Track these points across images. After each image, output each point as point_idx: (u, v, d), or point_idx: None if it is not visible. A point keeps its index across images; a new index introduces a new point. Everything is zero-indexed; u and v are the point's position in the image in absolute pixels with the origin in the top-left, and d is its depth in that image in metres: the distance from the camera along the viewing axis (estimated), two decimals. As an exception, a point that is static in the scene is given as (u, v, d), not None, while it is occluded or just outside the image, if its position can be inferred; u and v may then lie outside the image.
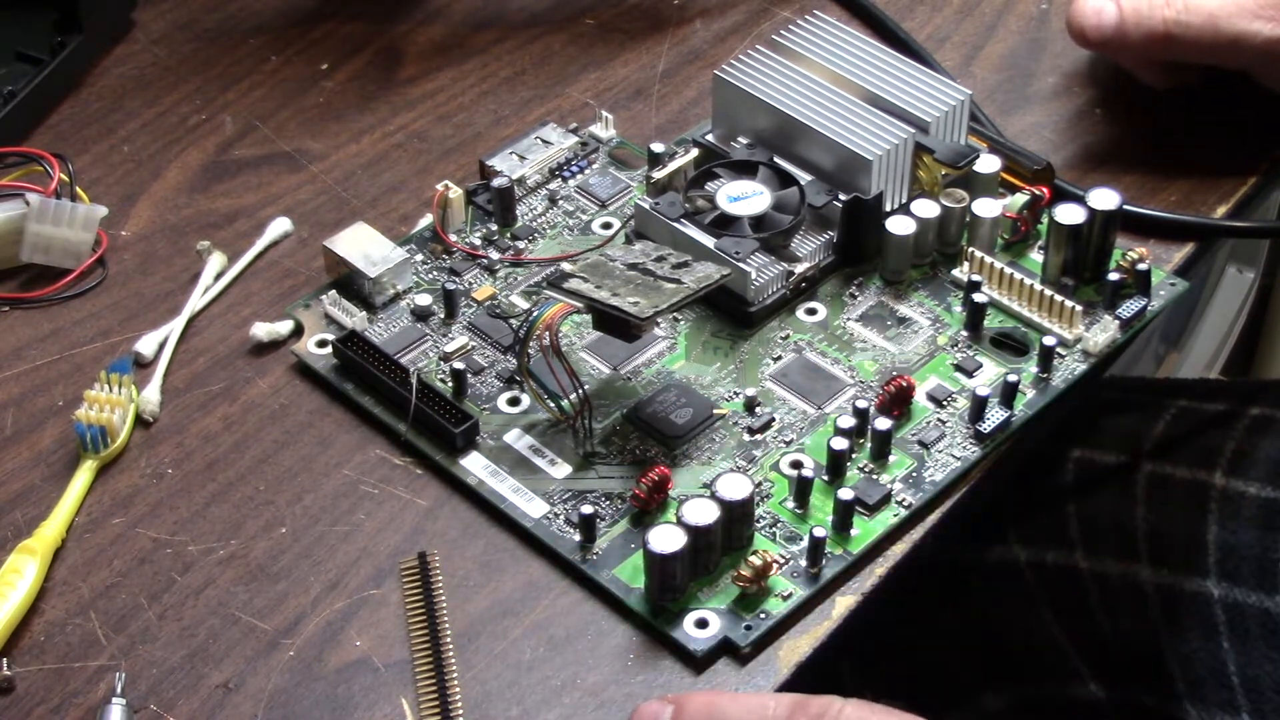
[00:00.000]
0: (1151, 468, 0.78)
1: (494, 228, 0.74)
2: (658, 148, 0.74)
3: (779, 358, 0.68)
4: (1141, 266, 0.69)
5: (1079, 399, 0.68)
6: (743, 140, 0.72)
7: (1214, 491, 0.75)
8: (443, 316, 0.70)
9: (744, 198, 0.70)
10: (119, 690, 0.58)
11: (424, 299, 0.70)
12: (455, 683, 0.59)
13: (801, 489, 0.63)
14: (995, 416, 0.65)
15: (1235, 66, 0.76)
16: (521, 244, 0.73)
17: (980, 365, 0.68)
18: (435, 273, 0.72)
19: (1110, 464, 0.79)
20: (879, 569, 0.62)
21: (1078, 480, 0.80)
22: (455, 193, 0.73)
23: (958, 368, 0.68)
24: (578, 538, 0.62)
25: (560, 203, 0.75)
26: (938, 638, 0.83)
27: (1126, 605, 0.76)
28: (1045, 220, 0.71)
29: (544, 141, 0.76)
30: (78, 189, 0.74)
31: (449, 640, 0.60)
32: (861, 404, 0.65)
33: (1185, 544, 0.75)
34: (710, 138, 0.74)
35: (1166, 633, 0.74)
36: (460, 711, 0.58)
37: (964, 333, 0.69)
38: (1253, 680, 0.72)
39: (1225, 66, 0.76)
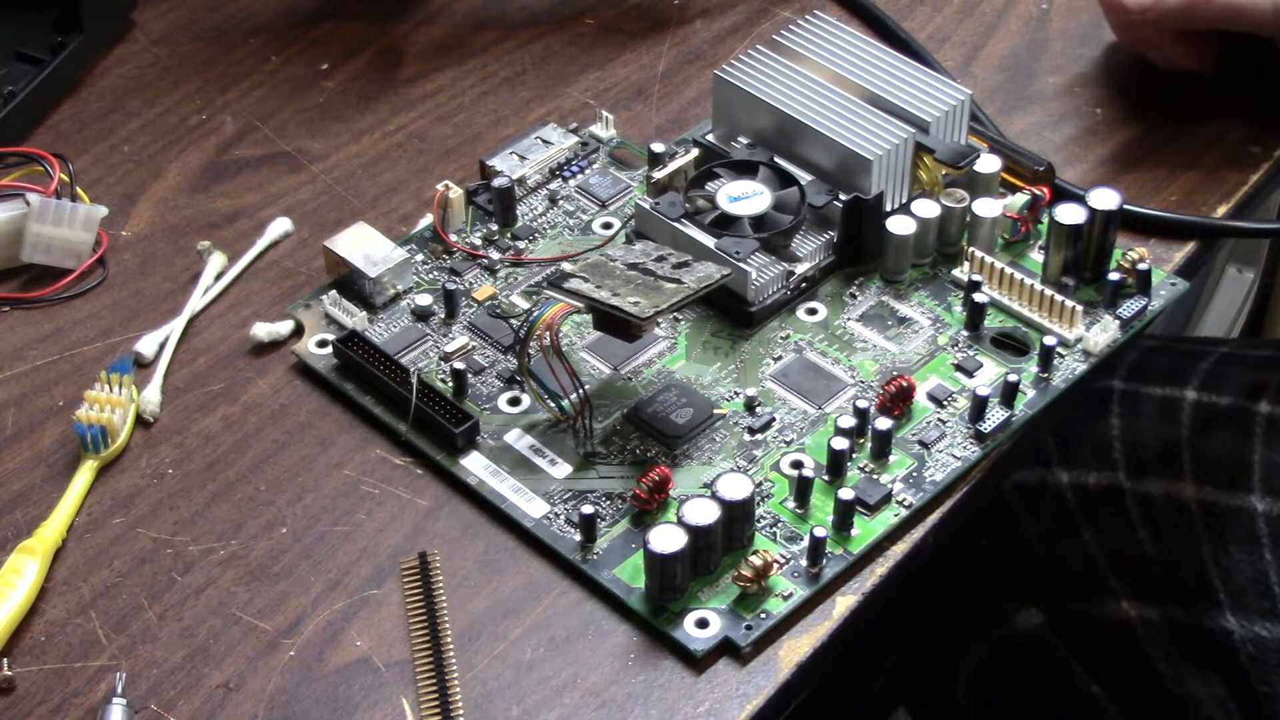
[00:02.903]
0: (1197, 397, 0.79)
1: (494, 228, 0.74)
2: (658, 148, 0.74)
3: (779, 358, 0.68)
4: (1142, 266, 0.69)
5: (1124, 349, 0.69)
6: (743, 140, 0.72)
7: (1259, 418, 0.77)
8: (443, 316, 0.70)
9: (744, 198, 0.70)
10: (119, 690, 0.58)
11: (424, 299, 0.70)
12: (455, 683, 0.59)
13: (802, 489, 0.63)
14: (995, 416, 0.65)
15: (1269, 33, 0.76)
16: (522, 244, 0.73)
17: (980, 365, 0.68)
18: (435, 273, 0.72)
19: (1156, 395, 0.80)
20: (879, 569, 0.62)
21: (1122, 409, 0.81)
22: (455, 193, 0.73)
23: (958, 367, 0.68)
24: (578, 538, 0.62)
25: (560, 203, 0.75)
26: (976, 555, 0.84)
27: (1169, 521, 0.78)
28: (1045, 220, 0.71)
29: (544, 141, 0.76)
30: (78, 189, 0.74)
31: (449, 640, 0.60)
32: (862, 404, 0.65)
33: (1230, 464, 0.76)
34: (710, 138, 0.74)
35: (1209, 546, 0.75)
36: (460, 711, 0.58)
37: (964, 333, 0.69)
38: None
39: (1259, 33, 0.76)
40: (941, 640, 0.87)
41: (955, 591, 0.85)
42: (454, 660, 0.59)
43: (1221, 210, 0.75)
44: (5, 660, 0.59)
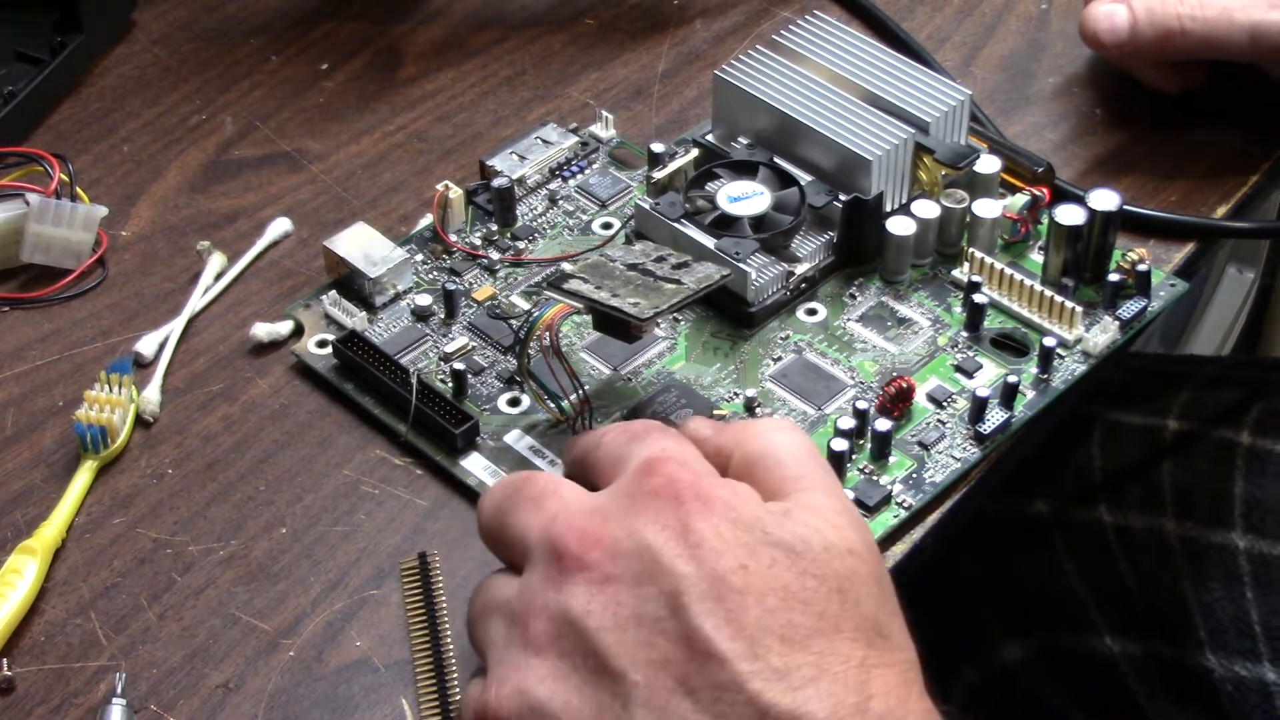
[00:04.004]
0: (1178, 426, 0.78)
1: (494, 228, 0.74)
2: (658, 148, 0.74)
3: (779, 358, 0.68)
4: (1142, 267, 0.69)
5: (1108, 369, 0.68)
6: (743, 140, 0.72)
7: (1241, 449, 0.76)
8: (443, 317, 0.70)
9: (744, 198, 0.70)
10: (119, 690, 0.58)
11: (424, 299, 0.70)
12: (455, 683, 0.59)
13: (801, 489, 0.63)
14: (995, 417, 0.65)
15: (1249, 59, 0.76)
16: (521, 244, 0.73)
17: (980, 366, 0.68)
18: (435, 273, 0.72)
19: (1137, 424, 0.80)
20: (879, 569, 0.62)
21: (1104, 439, 0.80)
22: (455, 193, 0.73)
23: (958, 368, 0.68)
24: (578, 538, 0.62)
25: (560, 203, 0.75)
26: (958, 588, 0.83)
27: (1150, 557, 0.77)
28: (1045, 221, 0.71)
29: (544, 141, 0.76)
30: (78, 189, 0.74)
31: (449, 640, 0.60)
32: (861, 405, 0.65)
33: (1211, 498, 0.76)
34: (710, 138, 0.74)
35: (1190, 583, 0.75)
36: (460, 712, 0.58)
37: (964, 333, 0.69)
38: (1275, 629, 0.73)
39: (1239, 60, 0.76)
40: (931, 660, 0.87)
41: (945, 613, 0.85)
42: (454, 660, 0.59)
43: (1221, 211, 0.76)
44: (5, 660, 0.59)
